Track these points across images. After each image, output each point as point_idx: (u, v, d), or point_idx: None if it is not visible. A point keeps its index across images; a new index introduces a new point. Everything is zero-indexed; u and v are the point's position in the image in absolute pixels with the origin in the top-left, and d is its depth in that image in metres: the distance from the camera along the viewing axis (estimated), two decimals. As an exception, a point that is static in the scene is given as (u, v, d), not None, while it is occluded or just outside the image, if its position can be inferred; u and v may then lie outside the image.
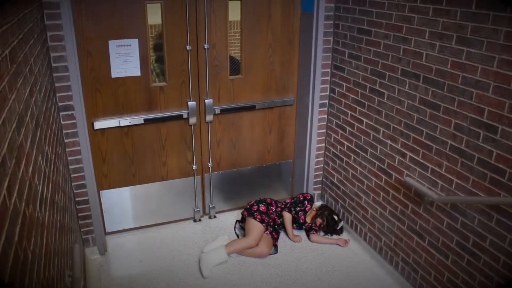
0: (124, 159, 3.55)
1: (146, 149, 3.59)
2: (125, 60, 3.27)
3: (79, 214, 3.33)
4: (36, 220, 1.60)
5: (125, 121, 3.40)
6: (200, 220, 3.98)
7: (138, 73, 3.32)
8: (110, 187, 3.59)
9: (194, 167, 3.80)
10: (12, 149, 1.37)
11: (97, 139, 3.39)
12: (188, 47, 3.39)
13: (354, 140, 3.50)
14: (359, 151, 3.47)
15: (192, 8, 3.30)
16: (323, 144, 3.95)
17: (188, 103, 3.53)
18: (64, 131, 3.05)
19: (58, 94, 2.95)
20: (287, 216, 3.70)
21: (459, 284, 2.67)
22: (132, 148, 3.54)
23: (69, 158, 3.13)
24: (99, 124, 3.32)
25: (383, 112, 3.11)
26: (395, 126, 3.01)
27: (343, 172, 3.74)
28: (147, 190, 3.73)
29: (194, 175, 3.84)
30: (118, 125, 3.39)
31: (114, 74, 3.28)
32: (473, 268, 2.56)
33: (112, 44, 3.18)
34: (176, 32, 3.33)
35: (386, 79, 3.02)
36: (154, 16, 3.37)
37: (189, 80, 3.49)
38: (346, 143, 3.62)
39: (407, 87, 2.85)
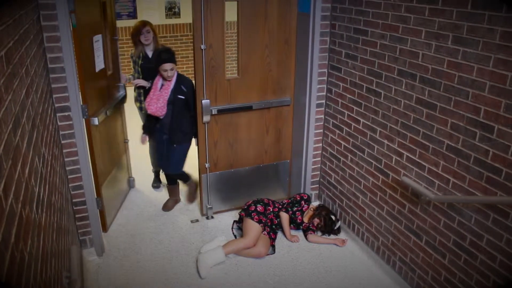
0: (108, 148, 3.79)
1: (113, 132, 3.98)
2: (98, 54, 3.46)
3: (76, 215, 3.32)
4: (33, 221, 1.60)
5: (109, 111, 3.69)
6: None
7: (103, 66, 3.58)
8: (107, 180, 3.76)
9: (126, 140, 4.36)
10: (8, 150, 1.37)
11: (96, 135, 3.47)
12: (115, 37, 3.89)
13: (351, 140, 3.51)
14: (356, 151, 3.47)
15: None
16: (320, 144, 3.96)
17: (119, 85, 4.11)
18: (61, 132, 3.05)
19: (54, 95, 2.94)
20: (285, 216, 3.70)
21: (456, 283, 2.68)
22: (107, 135, 3.79)
23: (66, 159, 3.12)
24: (96, 120, 3.35)
25: (380, 112, 3.11)
26: (392, 126, 3.02)
27: (340, 172, 3.74)
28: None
29: (127, 148, 4.35)
30: (106, 115, 3.61)
31: (97, 69, 3.45)
32: (470, 267, 2.57)
33: (94, 40, 3.35)
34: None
35: (383, 79, 3.03)
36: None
37: (118, 65, 4.03)
38: (343, 143, 3.62)
39: (403, 87, 2.85)
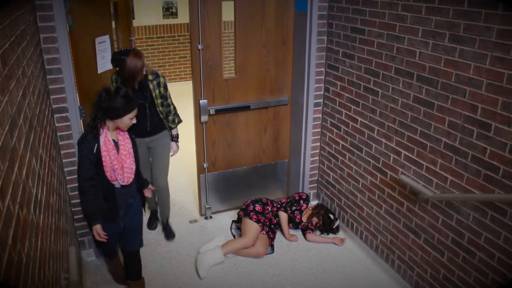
0: None
1: None
2: (103, 56, 3.39)
3: (75, 217, 3.31)
4: (31, 222, 1.60)
5: None
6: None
7: (110, 66, 3.42)
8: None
9: None
10: (5, 152, 1.37)
11: None
12: (131, 38, 3.76)
13: (349, 139, 3.51)
14: (354, 150, 3.47)
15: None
16: (318, 143, 3.96)
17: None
18: (59, 133, 3.04)
19: (52, 96, 2.94)
20: (283, 216, 3.70)
21: (455, 281, 2.68)
22: None
23: (63, 161, 3.12)
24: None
25: (378, 111, 3.12)
26: (390, 124, 3.02)
27: (338, 171, 3.75)
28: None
29: None
30: None
31: (99, 70, 3.39)
32: (469, 265, 2.57)
33: (97, 41, 3.30)
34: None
35: (380, 78, 3.03)
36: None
37: None
38: (341, 142, 3.63)
39: (401, 86, 2.86)
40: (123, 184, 2.67)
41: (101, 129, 2.54)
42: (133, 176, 2.69)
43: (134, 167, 2.69)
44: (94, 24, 3.28)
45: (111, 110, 2.48)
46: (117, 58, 3.00)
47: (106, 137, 2.56)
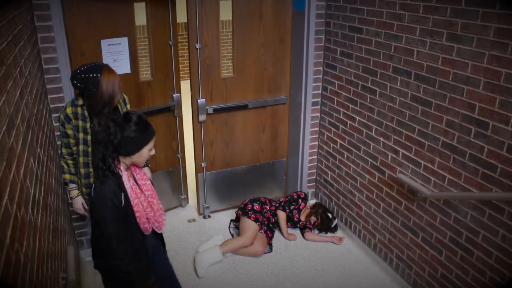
0: None
1: None
2: (116, 58, 3.29)
3: (73, 216, 3.31)
4: (28, 222, 1.59)
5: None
6: (183, 205, 4.18)
7: (128, 70, 3.35)
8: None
9: (179, 155, 3.96)
10: (2, 152, 1.36)
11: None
12: (170, 42, 3.56)
13: (347, 138, 3.51)
14: (352, 149, 3.48)
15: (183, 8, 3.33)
16: (316, 142, 3.96)
17: (173, 95, 3.72)
18: (57, 133, 3.03)
19: (49, 96, 2.93)
20: (282, 215, 3.70)
21: (453, 279, 2.69)
22: None
23: (61, 160, 3.11)
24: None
25: (375, 110, 3.12)
26: (388, 123, 3.02)
27: (336, 170, 3.75)
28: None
29: (179, 163, 4.00)
30: None
31: None
32: (467, 264, 2.58)
33: (104, 44, 3.19)
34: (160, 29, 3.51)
35: (378, 77, 3.03)
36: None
37: (172, 74, 3.65)
38: (339, 141, 3.63)
39: (398, 84, 2.86)
40: (159, 231, 2.17)
41: (119, 171, 1.98)
42: (165, 217, 2.20)
43: (161, 205, 2.19)
44: (101, 25, 3.11)
45: (126, 144, 1.93)
46: (87, 78, 2.38)
47: (129, 179, 2.02)
